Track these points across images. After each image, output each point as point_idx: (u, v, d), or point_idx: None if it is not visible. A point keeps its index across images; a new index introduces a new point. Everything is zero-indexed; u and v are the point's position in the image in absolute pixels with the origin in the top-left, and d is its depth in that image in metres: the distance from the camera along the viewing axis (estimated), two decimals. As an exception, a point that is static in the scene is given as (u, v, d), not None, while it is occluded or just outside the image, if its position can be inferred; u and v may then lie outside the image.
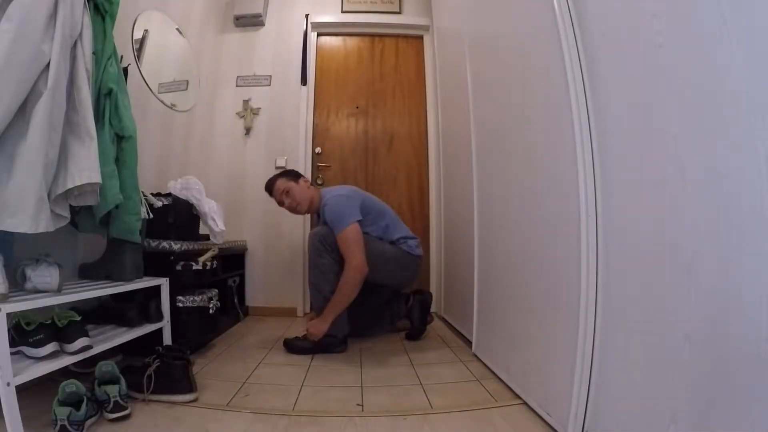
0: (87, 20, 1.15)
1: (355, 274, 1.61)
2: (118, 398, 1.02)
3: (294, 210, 1.85)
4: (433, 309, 2.15)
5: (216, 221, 1.74)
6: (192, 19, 2.44)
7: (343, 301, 1.64)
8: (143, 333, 1.34)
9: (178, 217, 1.65)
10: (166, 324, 1.46)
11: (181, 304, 1.56)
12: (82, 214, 1.26)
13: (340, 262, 1.66)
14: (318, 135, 2.77)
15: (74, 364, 1.09)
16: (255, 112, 2.71)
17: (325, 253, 1.67)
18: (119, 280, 1.33)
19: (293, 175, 1.88)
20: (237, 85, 2.75)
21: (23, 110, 0.97)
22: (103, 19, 1.25)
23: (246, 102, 2.72)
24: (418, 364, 1.55)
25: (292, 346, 1.70)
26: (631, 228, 0.83)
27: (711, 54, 0.63)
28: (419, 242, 1.92)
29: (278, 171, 2.07)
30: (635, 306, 0.81)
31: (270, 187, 1.88)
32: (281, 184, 1.83)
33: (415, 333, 1.92)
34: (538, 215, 1.15)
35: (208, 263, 1.74)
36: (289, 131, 2.70)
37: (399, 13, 2.86)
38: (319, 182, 2.71)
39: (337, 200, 1.72)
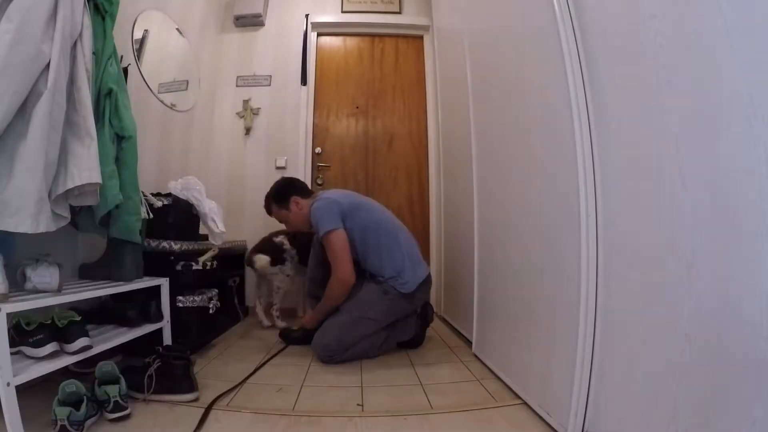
0: (87, 20, 1.15)
1: (339, 286, 1.61)
2: (118, 398, 1.02)
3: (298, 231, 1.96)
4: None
5: (216, 222, 1.74)
6: (192, 19, 2.44)
7: (330, 307, 1.67)
8: (143, 333, 1.34)
9: (178, 217, 1.65)
10: (166, 324, 1.46)
11: (181, 304, 1.56)
12: (82, 214, 1.26)
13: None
14: (318, 135, 2.77)
15: (74, 364, 1.09)
16: (255, 112, 2.71)
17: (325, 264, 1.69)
18: (119, 280, 1.33)
19: (283, 198, 1.83)
20: (237, 85, 2.75)
21: (23, 110, 0.97)
22: (103, 19, 1.25)
23: (246, 102, 2.72)
24: (418, 364, 1.55)
25: (289, 337, 1.79)
26: (631, 228, 0.83)
27: (711, 54, 0.63)
28: (416, 266, 1.68)
29: (276, 178, 2.02)
30: (635, 306, 0.81)
31: (268, 211, 1.92)
32: (276, 212, 1.87)
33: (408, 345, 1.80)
34: (538, 215, 1.15)
35: (208, 263, 1.74)
36: (289, 131, 2.70)
37: (399, 13, 2.86)
38: (318, 182, 2.71)
39: (319, 203, 1.69)
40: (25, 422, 0.87)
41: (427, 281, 1.73)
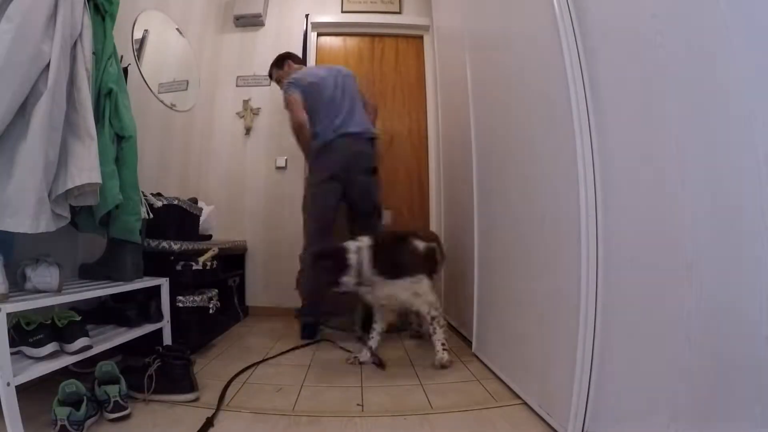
0: (87, 20, 1.15)
1: (295, 128, 1.99)
2: (118, 398, 1.02)
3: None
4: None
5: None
6: (192, 19, 2.44)
7: (302, 145, 2.04)
8: (143, 333, 1.34)
9: (178, 217, 1.65)
10: (166, 324, 1.46)
11: (181, 304, 1.56)
12: (82, 214, 1.26)
13: None
14: (318, 135, 2.76)
15: (74, 364, 1.09)
16: (255, 112, 2.71)
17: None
18: (119, 280, 1.33)
19: (280, 61, 2.23)
20: (237, 85, 2.75)
21: (23, 110, 0.97)
22: (103, 19, 1.25)
23: (246, 102, 2.72)
24: (417, 364, 1.55)
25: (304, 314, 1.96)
26: (631, 228, 0.83)
27: (711, 54, 0.63)
28: (333, 121, 1.96)
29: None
30: (635, 306, 0.81)
31: (270, 75, 2.30)
32: (276, 73, 2.25)
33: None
34: (539, 215, 1.15)
35: (208, 263, 1.74)
36: (289, 131, 2.69)
37: (399, 13, 2.86)
38: (319, 182, 2.71)
39: (289, 79, 2.04)
40: (25, 422, 0.87)
41: (344, 136, 1.93)
